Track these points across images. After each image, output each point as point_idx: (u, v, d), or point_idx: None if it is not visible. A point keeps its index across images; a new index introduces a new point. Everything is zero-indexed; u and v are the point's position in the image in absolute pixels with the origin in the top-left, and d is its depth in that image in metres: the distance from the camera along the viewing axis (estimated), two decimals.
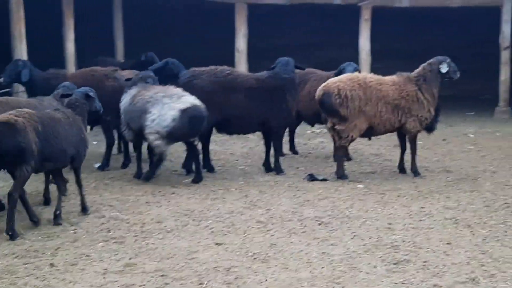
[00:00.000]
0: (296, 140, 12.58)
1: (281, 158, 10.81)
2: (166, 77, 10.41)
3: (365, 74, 11.00)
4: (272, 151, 10.59)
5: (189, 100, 9.53)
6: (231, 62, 15.82)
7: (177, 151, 11.34)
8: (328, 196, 9.12)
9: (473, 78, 18.68)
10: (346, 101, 9.80)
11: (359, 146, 12.52)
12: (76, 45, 15.54)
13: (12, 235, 7.14)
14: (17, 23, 13.99)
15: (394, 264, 6.51)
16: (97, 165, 10.71)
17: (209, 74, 10.28)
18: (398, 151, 10.83)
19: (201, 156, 10.29)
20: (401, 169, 10.58)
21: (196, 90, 10.07)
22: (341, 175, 10.06)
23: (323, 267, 6.42)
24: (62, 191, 7.99)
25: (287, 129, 11.47)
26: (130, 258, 6.64)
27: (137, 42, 18.46)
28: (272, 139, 10.51)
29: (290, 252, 6.84)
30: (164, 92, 9.67)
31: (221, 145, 12.71)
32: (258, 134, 11.57)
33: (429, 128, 10.62)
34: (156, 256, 6.71)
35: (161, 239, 7.26)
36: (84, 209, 8.12)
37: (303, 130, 13.86)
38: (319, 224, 7.83)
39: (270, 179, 10.10)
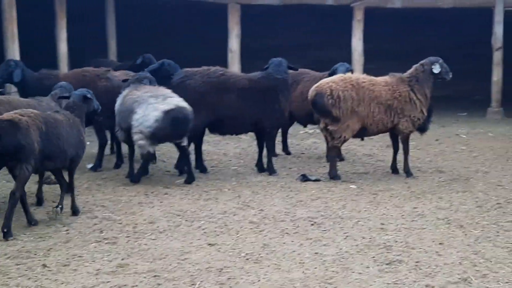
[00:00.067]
0: (289, 140, 12.59)
1: (274, 159, 10.83)
2: (162, 78, 10.40)
3: (358, 74, 11.02)
4: (265, 152, 10.60)
5: (174, 101, 9.51)
6: (225, 63, 15.85)
7: (170, 152, 11.34)
8: (321, 196, 9.13)
9: (465, 78, 18.76)
10: (338, 102, 9.82)
11: (352, 147, 12.55)
12: (69, 45, 15.51)
13: (6, 233, 7.15)
14: (9, 23, 13.96)
15: (387, 264, 6.52)
16: (89, 165, 10.69)
17: (202, 74, 10.28)
18: (390, 151, 10.86)
19: (192, 157, 10.28)
20: (394, 169, 10.60)
21: (189, 91, 10.09)
22: (333, 175, 10.07)
23: (315, 268, 6.42)
24: (64, 188, 8.06)
25: (279, 130, 11.49)
26: (122, 259, 6.63)
27: (130, 43, 18.46)
28: (265, 140, 10.52)
29: (283, 252, 6.84)
30: (152, 92, 9.66)
31: (214, 146, 12.72)
32: (251, 134, 11.57)
33: (422, 129, 10.65)
34: (148, 257, 6.70)
35: (154, 239, 7.26)
36: (74, 212, 8.10)
37: (296, 131, 13.88)
38: (312, 224, 7.83)
39: (263, 180, 10.10)
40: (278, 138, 11.84)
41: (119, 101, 9.96)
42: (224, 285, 6.01)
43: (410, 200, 9.00)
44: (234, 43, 16.55)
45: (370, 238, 7.31)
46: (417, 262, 6.57)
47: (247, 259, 6.65)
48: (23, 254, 6.71)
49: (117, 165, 10.85)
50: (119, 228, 7.62)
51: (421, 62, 10.36)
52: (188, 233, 7.48)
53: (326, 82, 10.13)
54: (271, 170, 10.45)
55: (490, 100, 17.27)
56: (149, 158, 9.78)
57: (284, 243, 7.15)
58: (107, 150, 11.26)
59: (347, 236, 7.40)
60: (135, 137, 9.53)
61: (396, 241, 7.21)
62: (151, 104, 9.42)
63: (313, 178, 10.09)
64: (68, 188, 8.14)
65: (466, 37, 20.29)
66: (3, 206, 7.99)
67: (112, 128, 10.57)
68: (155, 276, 6.19)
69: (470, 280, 6.12)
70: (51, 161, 7.59)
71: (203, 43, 19.75)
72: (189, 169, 9.88)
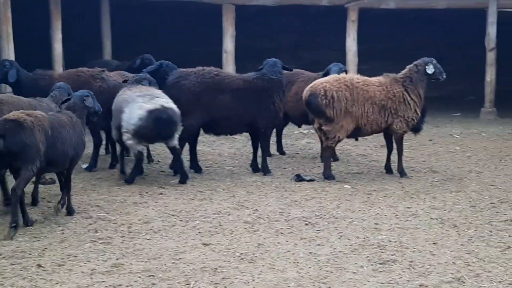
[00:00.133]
0: (283, 140, 12.60)
1: (268, 159, 10.85)
2: (160, 79, 10.42)
3: (352, 75, 11.05)
4: (259, 152, 10.61)
5: (160, 101, 9.51)
6: (220, 63, 15.86)
7: (165, 152, 11.33)
8: (315, 196, 9.15)
9: (459, 79, 18.80)
10: (332, 102, 9.84)
11: (346, 147, 12.58)
12: (63, 45, 15.49)
13: (15, 227, 7.26)
14: (4, 24, 13.93)
15: (381, 264, 6.55)
16: (84, 165, 10.69)
17: (196, 75, 10.29)
18: (384, 151, 10.89)
19: (187, 157, 10.28)
20: (388, 169, 10.63)
21: (184, 91, 10.11)
22: (328, 175, 10.09)
23: (309, 267, 6.45)
24: (67, 185, 8.17)
25: (274, 130, 11.51)
26: (117, 259, 6.64)
27: (125, 43, 18.46)
28: (259, 140, 10.53)
29: (277, 252, 6.86)
30: (142, 92, 9.69)
31: (209, 146, 12.72)
32: (246, 135, 11.59)
33: (416, 129, 10.69)
34: (143, 257, 6.71)
35: (149, 239, 7.27)
36: (69, 212, 8.11)
37: (291, 131, 13.90)
38: (306, 224, 7.86)
39: (258, 180, 10.12)
40: (273, 138, 11.86)
41: (114, 101, 9.99)
42: (218, 284, 6.03)
43: (404, 200, 9.04)
44: (228, 44, 16.54)
45: (364, 238, 7.34)
46: (410, 261, 6.60)
47: (242, 259, 6.67)
48: (18, 254, 6.71)
49: (112, 165, 10.85)
50: (114, 228, 7.63)
51: (415, 62, 10.40)
52: (182, 233, 7.49)
53: (320, 82, 10.16)
54: (265, 170, 10.47)
55: (484, 100, 17.31)
56: (141, 157, 9.78)
57: (278, 243, 7.17)
58: (102, 150, 11.26)
59: (341, 236, 7.43)
60: (124, 137, 9.58)
61: (390, 241, 7.24)
62: (137, 103, 9.46)
63: (308, 178, 10.11)
64: (66, 189, 8.19)
65: (460, 38, 20.32)
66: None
67: (107, 128, 10.58)
68: (150, 276, 6.20)
69: (464, 280, 6.15)
70: (54, 162, 7.67)
71: (197, 44, 19.75)
72: (182, 169, 9.90)
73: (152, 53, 13.33)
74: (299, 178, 10.08)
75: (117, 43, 18.11)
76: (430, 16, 19.78)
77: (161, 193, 9.23)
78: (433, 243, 7.17)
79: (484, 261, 6.66)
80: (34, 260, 6.57)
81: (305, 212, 8.33)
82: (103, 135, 11.10)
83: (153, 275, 6.21)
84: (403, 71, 10.41)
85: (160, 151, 11.70)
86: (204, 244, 7.11)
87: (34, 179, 8.52)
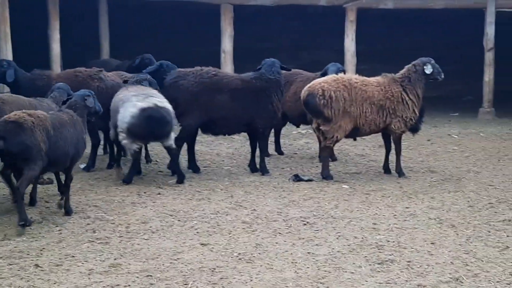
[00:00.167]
0: (281, 140, 12.60)
1: (266, 159, 10.84)
2: (161, 80, 10.42)
3: (350, 75, 11.05)
4: (257, 152, 10.61)
5: (154, 100, 9.51)
6: (218, 63, 15.85)
7: (162, 152, 11.31)
8: (313, 196, 9.15)
9: (457, 79, 18.81)
10: (330, 102, 9.84)
11: (344, 147, 12.58)
12: (61, 45, 15.49)
13: (24, 224, 7.38)
14: (2, 23, 13.93)
15: (379, 264, 6.55)
16: (82, 165, 10.68)
17: (194, 75, 10.28)
18: (383, 151, 10.90)
19: (185, 157, 10.27)
20: (386, 169, 10.63)
21: (182, 91, 10.11)
22: (326, 175, 10.09)
23: (308, 267, 6.45)
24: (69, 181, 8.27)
25: (272, 130, 11.51)
26: (115, 259, 6.64)
27: (123, 43, 18.45)
28: (257, 140, 10.53)
29: (275, 252, 6.86)
30: (137, 92, 9.71)
31: (207, 146, 12.72)
32: (244, 135, 11.59)
33: (414, 129, 10.70)
34: (141, 257, 6.71)
35: (146, 239, 7.26)
36: (67, 212, 8.10)
37: (289, 131, 13.90)
38: (304, 224, 7.86)
39: (256, 180, 10.12)
40: (271, 138, 11.86)
41: (112, 101, 9.99)
42: (216, 285, 6.03)
43: (402, 200, 9.04)
44: (227, 44, 16.54)
45: (362, 238, 7.34)
46: (409, 261, 6.60)
47: (240, 259, 6.67)
48: (15, 254, 6.71)
49: (110, 166, 10.84)
50: (112, 228, 7.62)
51: (413, 62, 10.41)
52: (180, 233, 7.49)
53: (318, 82, 10.16)
54: (263, 170, 10.46)
55: (482, 100, 17.32)
56: (137, 157, 9.77)
57: (276, 243, 7.17)
58: (100, 151, 11.25)
59: (339, 235, 7.43)
60: (119, 137, 9.60)
61: (388, 241, 7.24)
62: (131, 102, 9.47)
63: (306, 178, 10.11)
64: (65, 188, 8.24)
65: (458, 38, 20.34)
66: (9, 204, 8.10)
67: (105, 128, 10.57)
68: (147, 276, 6.20)
69: (462, 280, 6.16)
70: (55, 161, 7.72)
71: (196, 44, 19.74)
72: (178, 169, 9.89)
73: (150, 53, 13.33)
74: (297, 178, 10.07)
75: (116, 43, 18.11)
76: (428, 16, 19.80)
77: (159, 193, 9.23)
78: (431, 243, 7.17)
79: (482, 261, 6.66)
80: (32, 260, 6.56)
81: (303, 212, 8.33)
82: (101, 135, 11.08)
83: (151, 275, 6.20)
84: (401, 71, 10.41)
85: (158, 151, 11.69)
86: (202, 244, 7.11)
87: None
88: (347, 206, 8.66)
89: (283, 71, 10.71)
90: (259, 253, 6.82)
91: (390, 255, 6.79)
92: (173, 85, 10.23)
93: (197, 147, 11.02)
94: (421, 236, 7.44)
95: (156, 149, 11.71)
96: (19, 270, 6.30)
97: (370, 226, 7.78)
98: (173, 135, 9.73)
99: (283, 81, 10.70)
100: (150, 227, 7.69)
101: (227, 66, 16.25)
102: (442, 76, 10.44)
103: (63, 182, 8.32)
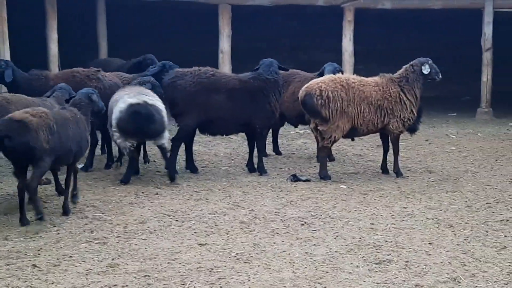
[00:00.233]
0: (279, 141, 12.61)
1: (264, 159, 10.85)
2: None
3: (348, 75, 11.06)
4: (255, 152, 10.60)
5: (145, 98, 9.54)
6: (216, 63, 15.84)
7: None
8: (311, 196, 9.15)
9: (455, 79, 18.82)
10: (328, 102, 9.84)
11: (342, 147, 12.58)
12: (59, 46, 15.47)
13: (41, 218, 7.68)
14: (0, 24, 13.91)
15: (376, 264, 6.55)
16: (80, 166, 10.66)
17: (192, 75, 10.27)
18: (380, 151, 10.91)
19: (183, 157, 10.26)
20: (384, 169, 10.64)
21: (180, 91, 10.11)
22: (324, 175, 10.09)
23: (305, 267, 6.45)
24: (75, 173, 8.43)
25: (270, 130, 11.50)
26: (113, 259, 6.64)
27: (121, 43, 18.44)
28: (255, 140, 10.52)
29: (273, 252, 6.86)
30: (131, 90, 9.76)
31: (205, 146, 12.71)
32: (242, 135, 11.59)
33: (412, 129, 10.70)
34: (139, 257, 6.71)
35: (144, 239, 7.26)
36: (65, 211, 8.10)
37: (287, 131, 13.90)
38: (302, 224, 7.86)
39: (254, 180, 10.12)
40: (269, 139, 11.86)
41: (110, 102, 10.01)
42: (214, 285, 6.03)
43: (400, 200, 9.04)
44: (225, 44, 16.53)
45: (360, 238, 7.34)
46: (406, 261, 6.61)
47: (238, 259, 6.67)
48: (13, 254, 6.70)
49: (108, 166, 10.84)
50: (109, 228, 7.62)
51: (411, 62, 10.41)
52: (178, 233, 7.49)
53: (316, 82, 10.16)
54: (261, 170, 10.47)
55: (480, 100, 17.32)
56: (133, 156, 9.76)
57: (274, 243, 7.17)
58: (98, 151, 11.25)
59: (337, 236, 7.43)
60: (114, 136, 9.62)
61: (386, 241, 7.24)
62: (123, 99, 9.54)
63: (304, 178, 10.11)
64: (65, 186, 8.32)
65: (456, 38, 20.35)
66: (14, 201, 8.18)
67: (102, 128, 10.56)
68: (145, 276, 6.20)
69: (460, 280, 6.16)
70: (59, 157, 7.80)
71: (194, 44, 19.74)
72: (169, 168, 9.88)
73: (148, 53, 13.31)
74: (295, 178, 10.07)
75: (114, 43, 18.09)
76: (426, 16, 19.82)
77: (157, 193, 9.22)
78: (429, 243, 7.18)
79: (480, 261, 6.66)
80: (30, 260, 6.56)
81: (301, 212, 8.33)
82: (99, 135, 11.08)
83: (148, 275, 6.20)
84: (399, 71, 10.42)
85: (156, 151, 11.64)
86: (199, 244, 7.11)
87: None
88: (345, 206, 8.66)
89: (281, 71, 10.71)
90: (257, 253, 6.82)
91: (388, 255, 6.79)
92: (171, 85, 10.23)
93: (195, 147, 11.02)
94: (419, 236, 7.44)
95: (154, 149, 11.68)
96: (16, 270, 6.29)
97: (368, 226, 7.79)
98: (166, 135, 9.72)
99: (282, 81, 10.70)
100: (148, 227, 7.69)
101: (225, 66, 16.25)
102: (440, 76, 10.45)
103: (65, 180, 8.32)
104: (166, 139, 9.77)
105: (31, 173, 7.62)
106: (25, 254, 6.72)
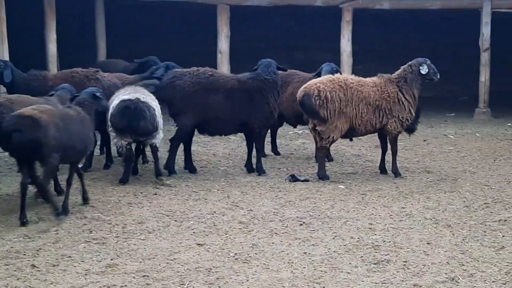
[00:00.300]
0: (278, 141, 12.61)
1: (263, 159, 10.86)
2: None
3: (346, 75, 11.06)
4: (254, 152, 10.62)
5: (138, 95, 9.56)
6: (214, 63, 15.85)
7: (160, 152, 11.32)
8: (310, 196, 9.16)
9: (453, 79, 18.84)
10: (326, 102, 9.85)
11: (340, 147, 12.59)
12: (58, 46, 15.47)
13: (59, 213, 7.80)
14: None
15: (375, 264, 6.56)
16: (79, 166, 10.66)
17: (191, 75, 10.28)
18: (379, 152, 10.92)
19: (182, 157, 10.27)
20: (382, 169, 10.65)
21: (178, 91, 10.12)
22: (322, 175, 10.10)
23: (304, 267, 6.46)
24: (81, 176, 8.57)
25: (268, 130, 11.51)
26: (111, 259, 6.65)
27: (119, 43, 18.45)
28: (254, 140, 10.54)
29: (272, 252, 6.87)
30: (128, 89, 9.83)
31: (203, 146, 12.71)
32: (240, 135, 11.60)
33: (410, 129, 10.72)
34: (137, 257, 6.71)
35: (143, 239, 7.27)
36: (65, 211, 8.11)
37: (285, 131, 13.90)
38: (301, 224, 7.87)
39: (252, 180, 10.13)
40: (267, 139, 11.87)
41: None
42: (213, 285, 6.04)
43: (398, 200, 9.05)
44: (223, 44, 16.54)
45: (358, 238, 7.36)
46: (405, 261, 6.62)
47: (236, 259, 6.68)
48: (12, 255, 6.71)
49: (107, 166, 10.84)
50: (108, 229, 7.63)
51: (409, 63, 10.42)
52: (177, 233, 7.49)
53: (314, 83, 10.17)
54: (260, 171, 10.47)
55: (478, 101, 17.34)
56: (130, 155, 9.75)
57: (273, 243, 7.18)
58: (96, 151, 11.25)
59: (335, 236, 7.44)
60: (111, 137, 9.65)
61: (384, 241, 7.25)
62: (118, 97, 9.59)
63: (302, 178, 10.12)
64: (67, 185, 8.33)
65: (454, 38, 20.38)
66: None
67: (101, 129, 10.56)
68: (144, 276, 6.21)
69: (458, 280, 6.18)
70: (64, 154, 7.83)
71: (192, 44, 19.75)
72: (158, 166, 9.97)
73: (147, 53, 13.32)
74: (293, 179, 10.08)
75: (113, 44, 18.10)
76: (424, 17, 19.83)
77: (155, 194, 9.23)
78: (427, 243, 7.19)
79: (478, 261, 6.68)
80: (29, 260, 6.56)
81: (299, 212, 8.34)
82: (98, 135, 11.07)
83: (147, 275, 6.21)
84: (397, 72, 10.43)
85: None
86: (198, 244, 7.12)
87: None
88: (343, 206, 8.68)
89: (280, 72, 10.72)
90: (256, 253, 6.83)
91: (386, 255, 6.80)
92: (170, 85, 10.24)
93: (193, 147, 11.03)
94: (417, 236, 7.45)
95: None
96: (15, 271, 6.30)
97: (366, 226, 7.80)
98: (159, 135, 9.73)
99: (280, 81, 10.71)
100: (147, 227, 7.70)
101: (224, 67, 16.26)
102: (438, 77, 10.46)
103: (67, 179, 8.34)
104: (159, 139, 9.77)
105: (42, 172, 7.68)
106: (24, 254, 6.73)
